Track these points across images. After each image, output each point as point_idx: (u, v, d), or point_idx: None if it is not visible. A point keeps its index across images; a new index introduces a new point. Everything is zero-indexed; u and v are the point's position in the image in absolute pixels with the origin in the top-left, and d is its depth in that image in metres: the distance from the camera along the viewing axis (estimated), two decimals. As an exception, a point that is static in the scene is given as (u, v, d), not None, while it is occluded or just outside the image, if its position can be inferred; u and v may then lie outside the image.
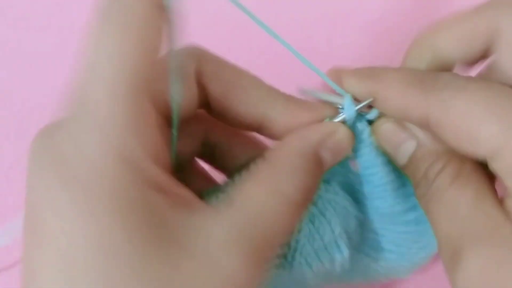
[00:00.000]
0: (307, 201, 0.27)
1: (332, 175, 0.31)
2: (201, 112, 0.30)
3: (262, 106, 0.29)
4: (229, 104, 0.29)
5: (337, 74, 0.29)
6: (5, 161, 0.44)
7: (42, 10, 0.51)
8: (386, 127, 0.29)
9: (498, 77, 0.28)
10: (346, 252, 0.29)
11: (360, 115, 0.29)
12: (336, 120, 0.29)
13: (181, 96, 0.26)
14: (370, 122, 0.30)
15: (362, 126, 0.29)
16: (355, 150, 0.30)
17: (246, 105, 0.29)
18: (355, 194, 0.32)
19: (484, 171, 0.27)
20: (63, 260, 0.19)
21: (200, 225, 0.23)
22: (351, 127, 0.29)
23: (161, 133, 0.24)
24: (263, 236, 0.25)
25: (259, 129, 0.30)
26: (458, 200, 0.26)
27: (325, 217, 0.29)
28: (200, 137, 0.31)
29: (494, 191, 0.26)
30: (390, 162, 0.29)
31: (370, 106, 0.30)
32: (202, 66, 0.28)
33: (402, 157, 0.29)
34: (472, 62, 0.30)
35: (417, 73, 0.27)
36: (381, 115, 0.30)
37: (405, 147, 0.29)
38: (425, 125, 0.26)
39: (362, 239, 0.32)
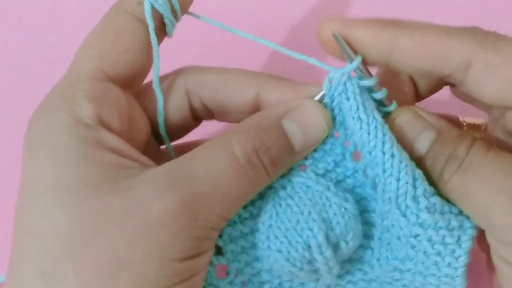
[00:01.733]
0: (255, 168, 0.27)
1: (327, 171, 0.31)
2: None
3: (251, 92, 0.31)
4: (223, 102, 0.31)
5: (350, 23, 0.28)
6: (5, 161, 0.44)
7: (42, 10, 0.51)
8: (404, 117, 0.29)
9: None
10: (320, 236, 0.28)
11: (367, 94, 0.29)
12: (317, 97, 0.29)
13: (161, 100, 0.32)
14: (385, 115, 0.30)
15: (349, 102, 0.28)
16: (347, 128, 0.29)
17: (237, 96, 0.31)
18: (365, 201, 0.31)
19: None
20: (37, 193, 0.26)
21: (142, 175, 0.26)
22: (335, 105, 0.29)
23: (129, 114, 0.30)
24: (200, 190, 0.25)
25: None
26: (502, 159, 0.26)
27: (293, 199, 0.29)
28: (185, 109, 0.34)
29: None
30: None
31: (389, 100, 0.29)
32: (188, 78, 0.32)
33: (422, 146, 0.28)
34: (426, 79, 0.31)
35: (449, 26, 0.27)
36: (387, 98, 0.29)
37: (426, 134, 0.28)
38: (463, 71, 0.26)
39: (378, 239, 0.31)
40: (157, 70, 0.31)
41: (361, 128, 0.28)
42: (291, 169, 0.30)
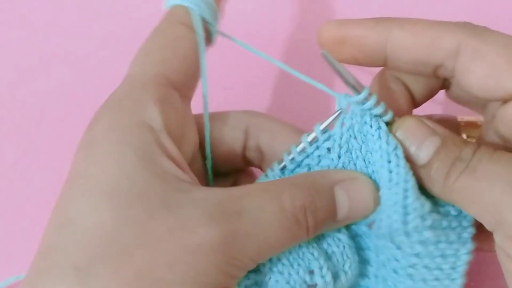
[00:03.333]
0: (299, 225, 0.27)
1: None
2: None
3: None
4: (276, 150, 0.33)
5: (343, 23, 0.29)
6: (5, 161, 0.44)
7: (42, 10, 0.51)
8: (408, 124, 0.29)
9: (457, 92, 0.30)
10: (322, 260, 0.28)
11: (374, 119, 0.29)
12: (329, 120, 0.30)
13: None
14: (387, 125, 0.29)
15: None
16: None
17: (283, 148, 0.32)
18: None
19: None
20: (88, 188, 0.25)
21: (192, 194, 0.26)
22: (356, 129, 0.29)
23: (185, 127, 0.30)
24: (244, 230, 0.25)
25: None
26: (510, 156, 0.26)
27: None
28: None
29: None
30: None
31: (386, 110, 0.29)
32: (251, 118, 0.34)
33: (427, 152, 0.28)
34: (418, 71, 0.30)
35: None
36: (395, 117, 0.29)
37: (432, 140, 0.28)
38: (452, 60, 0.27)
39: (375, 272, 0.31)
40: (205, 77, 0.32)
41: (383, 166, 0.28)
42: None
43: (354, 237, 0.31)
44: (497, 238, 0.26)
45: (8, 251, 0.41)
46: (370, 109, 0.29)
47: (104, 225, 0.24)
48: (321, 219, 0.28)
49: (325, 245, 0.29)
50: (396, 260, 0.29)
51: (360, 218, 0.30)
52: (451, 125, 0.34)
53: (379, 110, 0.29)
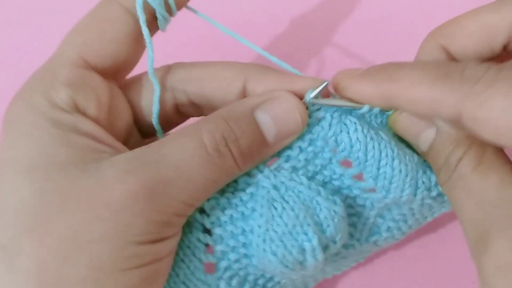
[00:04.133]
0: (222, 156, 0.27)
1: (314, 174, 0.31)
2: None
3: (238, 84, 0.31)
4: (209, 97, 0.32)
5: (345, 80, 0.29)
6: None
7: (42, 10, 0.51)
8: (405, 116, 0.29)
9: None
10: (315, 241, 0.28)
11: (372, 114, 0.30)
12: (314, 92, 0.29)
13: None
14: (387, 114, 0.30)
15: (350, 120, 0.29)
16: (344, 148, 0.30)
17: (223, 90, 0.31)
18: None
19: (506, 156, 0.27)
20: (8, 170, 0.26)
21: (111, 158, 0.26)
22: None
23: (109, 103, 0.30)
24: (165, 175, 0.25)
25: None
26: (483, 185, 0.26)
27: (288, 203, 0.29)
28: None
29: None
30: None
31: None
32: (173, 74, 0.32)
33: (423, 145, 0.29)
34: (489, 58, 0.30)
35: (439, 67, 0.26)
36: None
37: (426, 134, 0.28)
38: (456, 122, 0.25)
39: (361, 226, 0.32)
40: (151, 62, 0.31)
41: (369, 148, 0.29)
42: (282, 169, 0.30)
43: (345, 199, 0.32)
44: (475, 258, 0.26)
45: None
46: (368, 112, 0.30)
47: (23, 201, 0.25)
48: (247, 146, 0.27)
49: (321, 218, 0.29)
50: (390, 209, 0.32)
51: (294, 135, 0.29)
52: None
53: (376, 110, 0.30)
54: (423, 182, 0.30)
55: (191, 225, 0.30)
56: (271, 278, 0.32)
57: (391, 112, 0.30)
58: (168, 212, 0.26)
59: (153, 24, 0.31)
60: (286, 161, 0.30)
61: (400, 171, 0.29)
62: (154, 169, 0.25)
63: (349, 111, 0.30)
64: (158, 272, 0.27)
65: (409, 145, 0.31)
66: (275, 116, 0.28)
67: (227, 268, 0.30)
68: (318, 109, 0.30)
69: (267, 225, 0.28)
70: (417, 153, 0.31)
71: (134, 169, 0.25)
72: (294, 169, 0.30)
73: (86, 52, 0.29)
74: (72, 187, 0.25)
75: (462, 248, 0.35)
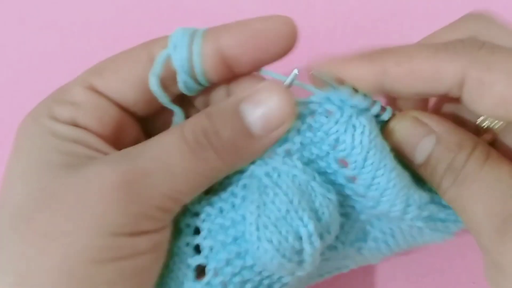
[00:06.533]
0: (203, 148, 0.27)
1: (308, 160, 0.30)
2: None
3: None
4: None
5: (337, 64, 0.28)
6: (5, 161, 0.44)
7: (42, 10, 0.51)
8: (403, 124, 0.29)
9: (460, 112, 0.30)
10: (311, 226, 0.27)
11: (374, 116, 0.29)
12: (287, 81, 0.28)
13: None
14: (383, 122, 0.29)
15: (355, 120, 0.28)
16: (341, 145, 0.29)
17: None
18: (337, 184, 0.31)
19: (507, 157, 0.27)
20: (10, 176, 0.28)
21: (98, 158, 0.27)
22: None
23: (113, 123, 0.30)
24: (144, 167, 0.26)
25: None
26: (497, 174, 0.26)
27: (281, 188, 0.28)
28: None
29: None
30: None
31: (383, 108, 0.29)
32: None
33: (420, 155, 0.28)
34: (425, 98, 0.31)
35: (437, 43, 0.26)
36: (394, 114, 0.29)
37: (424, 143, 0.28)
38: (457, 89, 0.26)
39: (348, 229, 0.32)
40: (177, 119, 0.32)
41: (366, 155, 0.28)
42: (275, 154, 0.29)
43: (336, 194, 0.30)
44: (495, 247, 0.26)
45: None
46: (367, 109, 0.29)
47: (15, 200, 0.26)
48: (228, 137, 0.27)
49: (317, 205, 0.28)
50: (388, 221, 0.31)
51: (284, 125, 0.28)
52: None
53: (376, 109, 0.29)
54: (414, 200, 0.29)
55: (184, 232, 0.30)
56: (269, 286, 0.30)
57: (385, 120, 0.29)
58: (148, 204, 0.26)
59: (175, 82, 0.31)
60: (280, 145, 0.29)
61: (395, 185, 0.28)
62: (133, 161, 0.26)
63: (363, 112, 0.28)
64: (138, 269, 0.26)
65: (399, 162, 0.30)
66: (260, 107, 0.27)
67: (218, 271, 0.28)
68: (331, 103, 0.29)
69: (259, 211, 0.27)
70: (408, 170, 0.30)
71: (113, 162, 0.26)
72: (288, 153, 0.29)
73: (99, 84, 0.30)
74: (56, 185, 0.26)
75: (462, 248, 0.35)
